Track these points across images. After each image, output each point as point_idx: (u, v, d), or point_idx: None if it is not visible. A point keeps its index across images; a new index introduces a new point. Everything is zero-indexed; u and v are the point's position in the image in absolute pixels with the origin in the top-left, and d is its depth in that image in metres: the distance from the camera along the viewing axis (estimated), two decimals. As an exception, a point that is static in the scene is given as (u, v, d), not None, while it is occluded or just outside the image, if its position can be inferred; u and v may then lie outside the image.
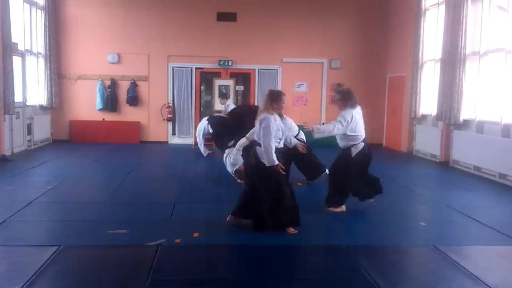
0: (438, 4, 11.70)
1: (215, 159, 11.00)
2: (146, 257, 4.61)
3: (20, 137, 11.59)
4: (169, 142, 14.28)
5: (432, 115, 11.82)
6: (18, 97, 11.24)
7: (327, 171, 8.25)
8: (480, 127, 9.87)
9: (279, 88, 14.17)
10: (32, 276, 4.09)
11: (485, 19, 9.86)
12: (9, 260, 4.52)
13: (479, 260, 4.86)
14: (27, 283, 3.96)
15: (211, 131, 10.91)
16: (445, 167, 10.76)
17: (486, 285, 4.15)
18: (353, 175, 6.29)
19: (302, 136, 8.29)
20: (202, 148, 11.41)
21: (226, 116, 11.10)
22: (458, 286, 4.18)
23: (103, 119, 13.93)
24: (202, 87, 14.68)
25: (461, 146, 10.43)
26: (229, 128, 9.82)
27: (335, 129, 6.12)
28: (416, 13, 12.47)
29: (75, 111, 13.95)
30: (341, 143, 6.39)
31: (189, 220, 5.98)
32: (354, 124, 6.18)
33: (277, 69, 14.43)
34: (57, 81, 13.56)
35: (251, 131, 7.04)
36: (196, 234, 5.36)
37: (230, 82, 14.04)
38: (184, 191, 7.77)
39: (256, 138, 5.58)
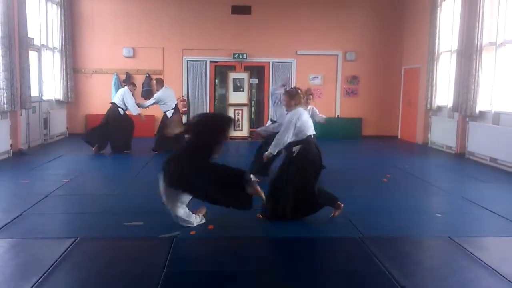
0: (454, -6, 11.56)
1: (229, 154, 11.03)
2: (161, 249, 4.65)
3: (36, 131, 11.73)
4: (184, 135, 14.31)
5: (448, 106, 11.71)
6: (34, 92, 11.32)
7: None
8: (496, 118, 9.76)
9: (294, 80, 14.19)
10: (49, 268, 4.15)
11: (502, 9, 9.72)
12: (27, 252, 4.58)
13: (495, 251, 4.83)
14: (45, 275, 4.02)
15: None
16: (461, 158, 10.66)
17: (502, 276, 4.13)
18: None
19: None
20: None
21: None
22: (473, 277, 4.15)
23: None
24: (216, 81, 14.70)
25: (477, 137, 10.32)
26: None
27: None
28: (432, 4, 12.33)
29: (91, 105, 14.06)
30: None
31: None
32: None
33: (291, 62, 14.39)
34: (73, 75, 13.67)
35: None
36: (211, 227, 5.39)
37: (244, 75, 14.03)
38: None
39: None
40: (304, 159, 5.54)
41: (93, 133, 10.82)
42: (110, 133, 10.61)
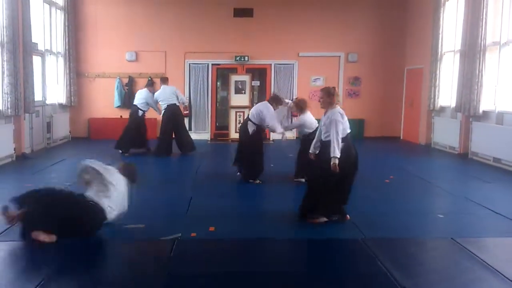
0: (457, -6, 11.55)
1: (230, 156, 11.01)
2: (163, 251, 4.67)
3: (39, 135, 11.75)
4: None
5: (451, 107, 11.68)
6: (38, 96, 11.38)
7: None
8: (500, 118, 9.72)
9: (295, 82, 14.20)
10: (51, 271, 4.16)
11: (505, 8, 9.69)
12: (29, 256, 4.61)
13: (498, 252, 4.81)
14: (46, 278, 4.02)
15: None
16: (464, 159, 10.63)
17: (505, 277, 4.10)
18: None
19: None
20: None
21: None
22: (476, 278, 4.14)
23: (121, 116, 13.99)
24: (218, 83, 14.71)
25: (480, 137, 10.29)
26: None
27: None
28: (435, 4, 12.30)
29: (94, 109, 14.11)
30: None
31: (204, 214, 6.01)
32: None
33: (293, 64, 14.38)
34: (76, 79, 13.72)
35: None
36: (211, 228, 5.39)
37: (246, 78, 14.02)
38: (200, 185, 7.79)
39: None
40: (343, 159, 5.43)
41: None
42: (125, 130, 11.04)
